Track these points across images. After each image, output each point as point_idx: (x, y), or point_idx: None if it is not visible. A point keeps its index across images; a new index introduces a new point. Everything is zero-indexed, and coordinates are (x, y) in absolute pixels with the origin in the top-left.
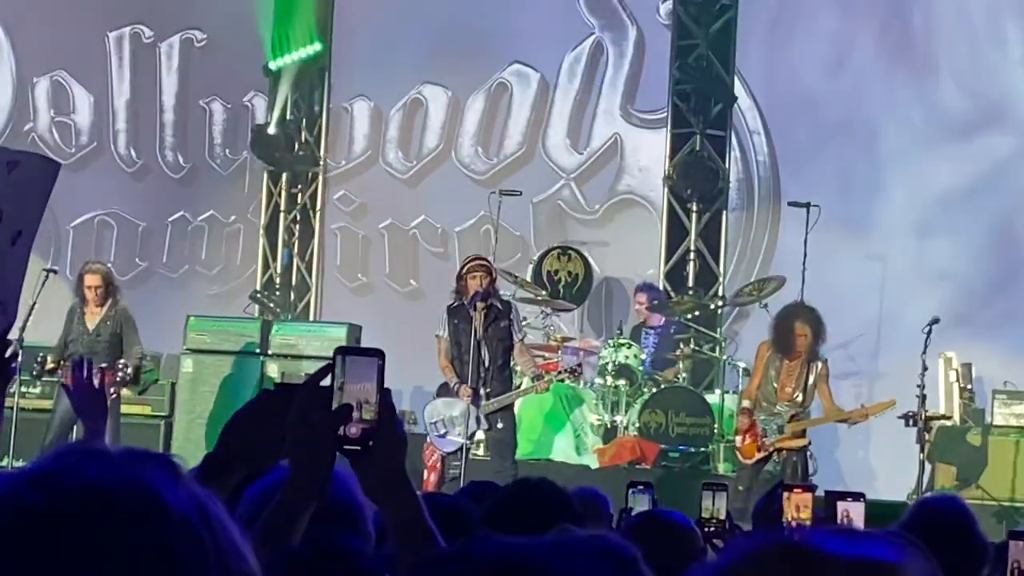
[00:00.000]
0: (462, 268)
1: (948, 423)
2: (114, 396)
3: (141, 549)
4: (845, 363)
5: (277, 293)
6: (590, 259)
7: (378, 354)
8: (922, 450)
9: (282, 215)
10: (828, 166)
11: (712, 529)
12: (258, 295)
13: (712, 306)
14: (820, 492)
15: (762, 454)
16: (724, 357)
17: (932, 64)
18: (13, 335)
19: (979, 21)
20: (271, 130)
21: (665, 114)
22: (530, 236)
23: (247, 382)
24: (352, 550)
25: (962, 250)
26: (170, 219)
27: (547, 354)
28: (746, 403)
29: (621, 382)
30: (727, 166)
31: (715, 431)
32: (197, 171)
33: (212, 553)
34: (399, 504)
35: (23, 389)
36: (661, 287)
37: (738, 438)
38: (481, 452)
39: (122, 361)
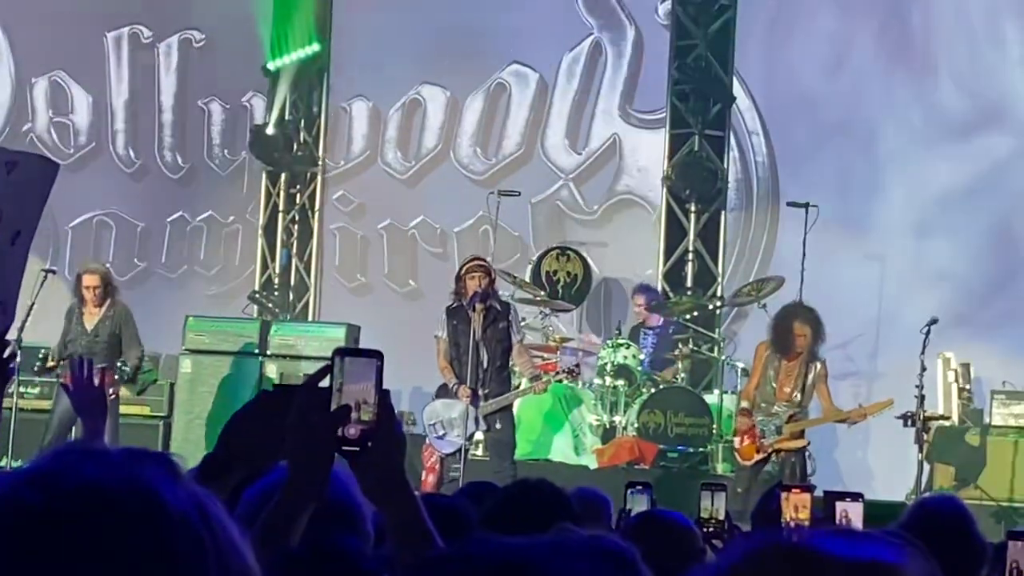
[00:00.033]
0: (461, 269)
1: (946, 423)
2: (113, 396)
3: (141, 548)
4: (844, 363)
5: (276, 293)
6: (589, 259)
7: (377, 355)
8: (921, 450)
9: (281, 215)
10: (827, 166)
11: (711, 529)
12: (257, 295)
13: (711, 306)
14: (819, 492)
15: (761, 455)
16: (723, 357)
17: (931, 64)
18: (12, 335)
19: (978, 21)
20: (270, 130)
21: (664, 114)
22: (529, 236)
23: (246, 382)
24: (351, 551)
25: (961, 250)
26: (169, 219)
27: (546, 354)
28: (744, 404)
29: (620, 382)
30: (726, 166)
31: (714, 431)
32: (196, 171)
33: (211, 552)
34: (398, 505)
35: (22, 389)
36: (660, 287)
37: (736, 439)
38: (480, 453)
39: (121, 359)
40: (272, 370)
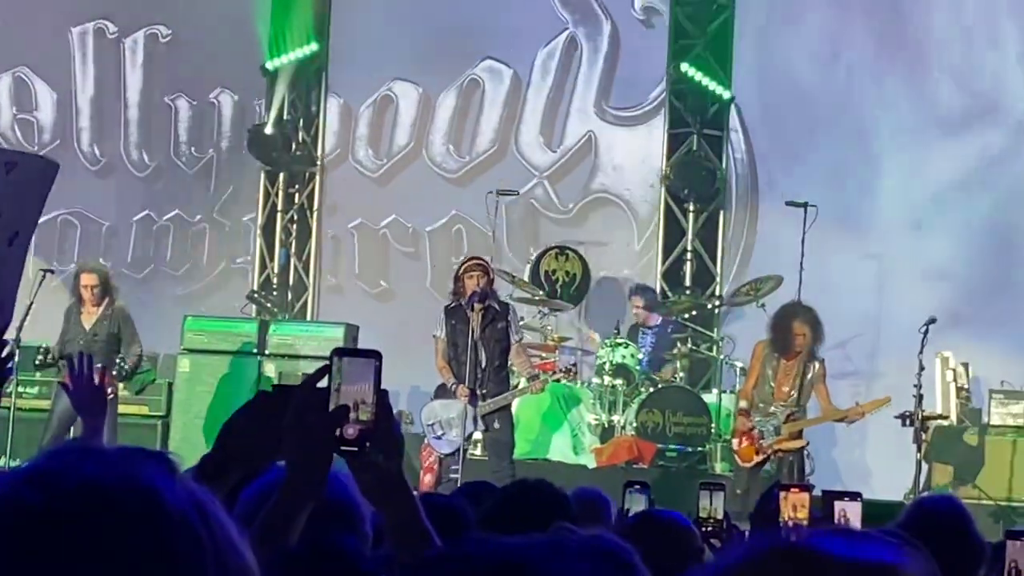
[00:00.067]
0: (459, 268)
1: (945, 423)
2: (112, 395)
3: (140, 547)
4: (842, 363)
5: (274, 293)
6: (588, 259)
7: (375, 355)
8: (919, 450)
9: (279, 215)
10: (822, 162)
11: (709, 529)
12: (255, 295)
13: (709, 306)
14: (817, 492)
15: (760, 457)
16: (721, 357)
17: (926, 61)
18: (10, 335)
19: (973, 16)
20: (268, 130)
21: (640, 111)
22: (503, 236)
23: (244, 382)
24: (349, 550)
25: (959, 250)
26: (135, 218)
27: (544, 354)
28: (743, 404)
29: (618, 382)
30: (724, 166)
31: (712, 431)
32: (162, 169)
33: (210, 550)
34: (396, 505)
35: (20, 389)
36: (658, 287)
37: (735, 441)
38: (478, 452)
39: (120, 356)
40: (271, 369)
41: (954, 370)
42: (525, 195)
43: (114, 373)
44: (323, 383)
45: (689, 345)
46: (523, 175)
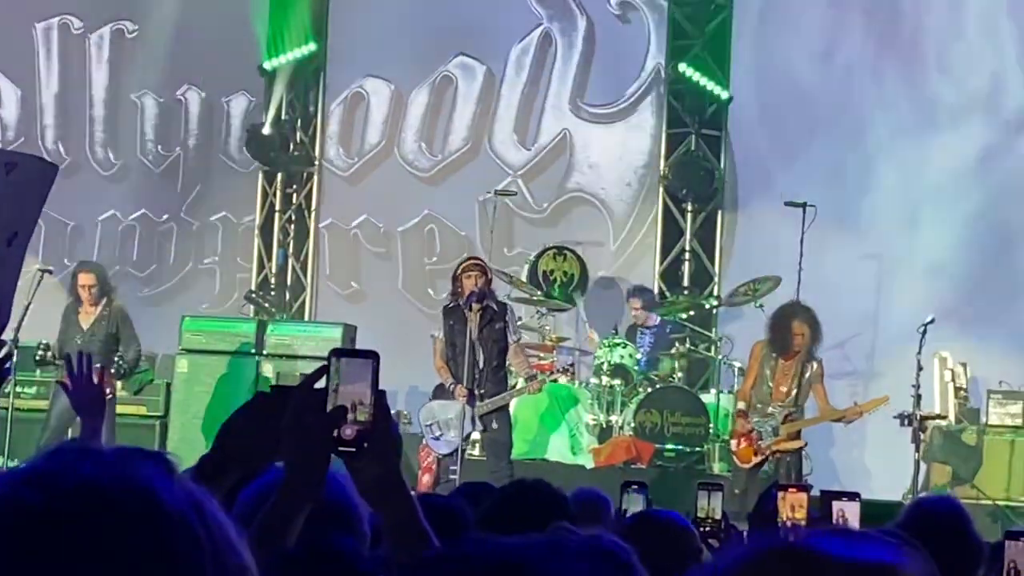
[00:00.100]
0: (457, 268)
1: (943, 423)
2: (110, 395)
3: (138, 547)
4: (840, 363)
5: (272, 293)
6: (586, 259)
7: (373, 355)
8: (917, 450)
9: (277, 215)
10: (822, 164)
11: (708, 529)
12: (253, 295)
13: (707, 306)
14: (815, 492)
15: (758, 457)
16: (719, 357)
17: (924, 59)
18: (8, 335)
19: (972, 16)
20: (266, 130)
21: (616, 108)
22: (475, 236)
23: (242, 382)
24: (347, 551)
25: (958, 250)
26: (100, 218)
27: (542, 354)
28: (741, 405)
29: (616, 382)
30: (722, 166)
31: (710, 431)
32: (128, 168)
33: (208, 551)
34: (394, 505)
35: (18, 389)
36: (656, 287)
37: (734, 442)
38: (477, 453)
39: (119, 355)
40: (269, 370)
41: (952, 370)
42: (499, 194)
43: (112, 372)
44: (321, 384)
45: (687, 345)
46: (497, 174)
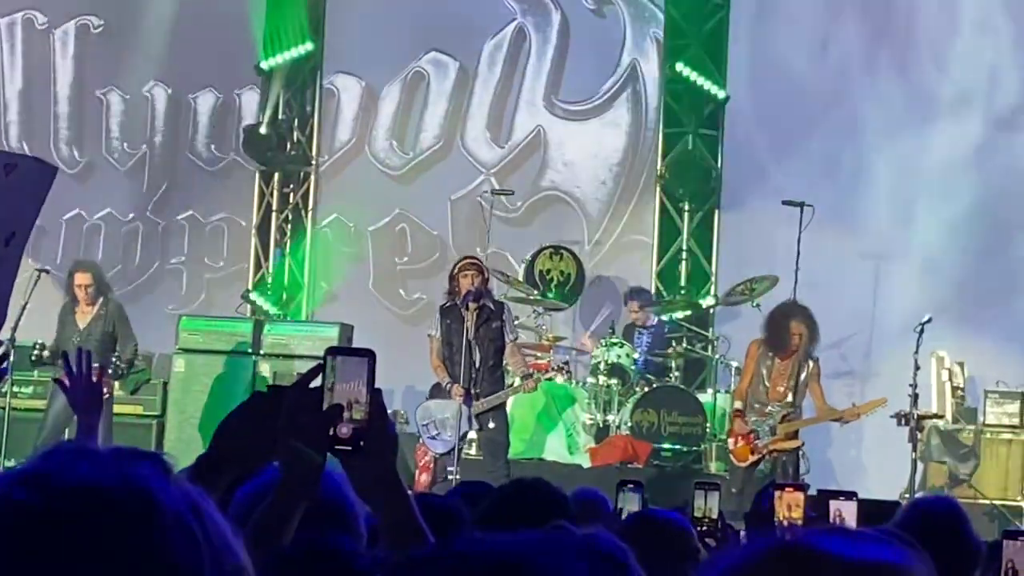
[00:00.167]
0: (454, 268)
1: (940, 422)
2: (107, 395)
3: (136, 548)
4: (837, 363)
5: (269, 293)
6: (582, 259)
7: (368, 354)
8: (914, 449)
9: (274, 215)
10: (819, 162)
11: (704, 528)
12: (250, 295)
13: (704, 305)
14: (812, 491)
15: (755, 457)
16: (716, 356)
17: (918, 54)
18: (5, 335)
19: (967, 9)
20: (263, 130)
21: (591, 104)
22: (448, 236)
23: (239, 382)
24: (344, 550)
25: (956, 250)
26: (64, 217)
27: (539, 353)
28: (738, 404)
29: (613, 381)
30: (719, 166)
31: (707, 430)
32: (93, 166)
33: (206, 550)
34: (391, 504)
35: (15, 389)
36: (653, 287)
37: (731, 441)
38: (473, 452)
39: (116, 354)
40: (265, 369)
41: (949, 369)
42: (471, 193)
43: (109, 372)
44: (317, 382)
45: (684, 345)
46: (469, 172)
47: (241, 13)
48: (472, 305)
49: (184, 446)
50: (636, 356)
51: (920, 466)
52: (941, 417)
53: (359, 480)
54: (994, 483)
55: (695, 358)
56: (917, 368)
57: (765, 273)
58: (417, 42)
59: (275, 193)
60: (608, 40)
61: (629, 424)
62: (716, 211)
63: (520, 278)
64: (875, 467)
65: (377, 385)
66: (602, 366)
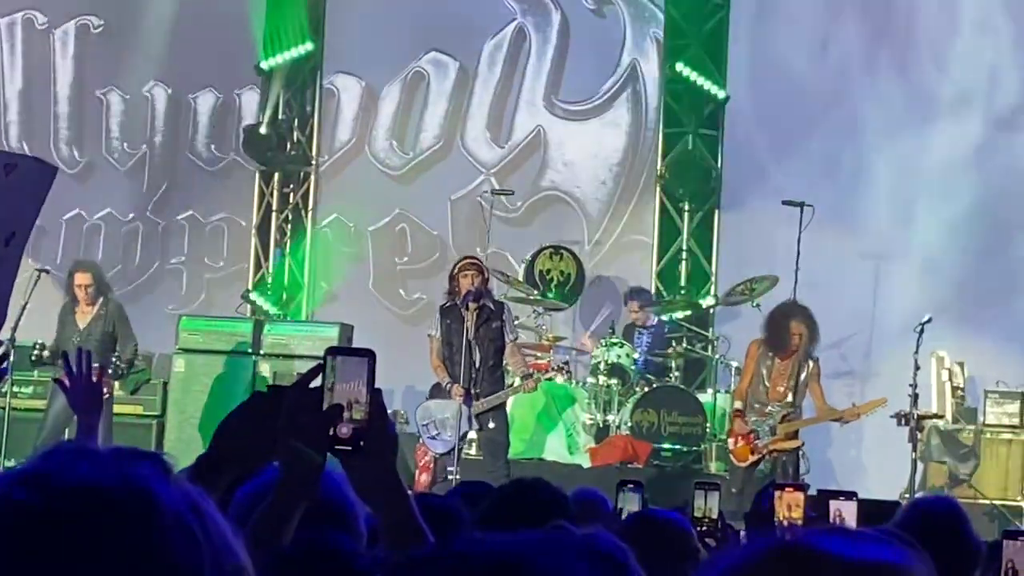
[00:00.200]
0: (454, 268)
1: (940, 422)
2: (107, 395)
3: (137, 548)
4: (837, 363)
5: (269, 293)
6: (582, 259)
7: (368, 354)
8: (914, 449)
9: (274, 215)
10: (818, 162)
11: (704, 528)
12: (250, 295)
13: (704, 305)
14: (812, 491)
15: (755, 457)
16: (716, 356)
17: (918, 54)
18: (5, 335)
19: (967, 8)
20: (263, 130)
21: (591, 104)
22: (448, 236)
23: (239, 382)
24: (344, 550)
25: (955, 249)
26: (64, 217)
27: (539, 353)
28: (738, 404)
29: (613, 381)
30: (719, 166)
31: (707, 430)
32: (93, 166)
33: (206, 551)
34: (390, 504)
35: (15, 389)
36: (653, 287)
37: (731, 441)
38: (473, 452)
39: (116, 354)
40: (265, 369)
41: (949, 369)
42: (471, 193)
43: (109, 372)
44: (316, 382)
45: (684, 345)
46: (469, 172)
47: (241, 13)
48: (472, 305)
49: (184, 446)
50: (636, 356)
51: (920, 466)
52: (941, 417)
53: (359, 480)
54: (994, 483)
55: (695, 358)
56: (917, 368)
57: (765, 273)
58: (417, 42)
59: (275, 193)
60: (608, 40)
61: (629, 424)
62: (716, 211)
63: (520, 278)
64: (875, 467)
65: (377, 385)
66: (602, 366)
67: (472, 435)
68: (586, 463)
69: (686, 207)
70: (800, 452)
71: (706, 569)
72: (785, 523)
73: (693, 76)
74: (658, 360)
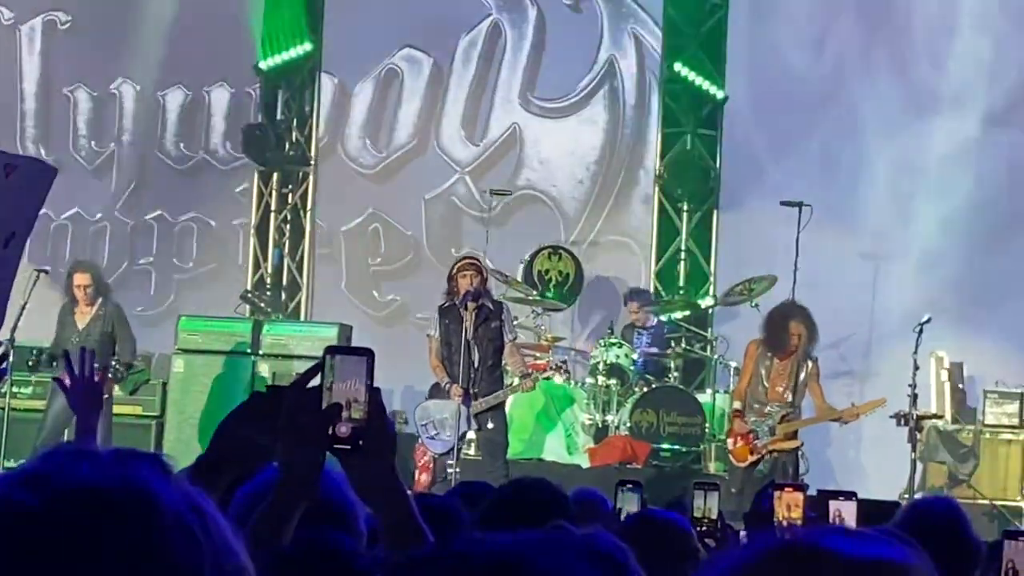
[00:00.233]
0: (453, 268)
1: (940, 422)
2: (107, 396)
3: (137, 549)
4: (836, 363)
5: (268, 293)
6: (581, 259)
7: (367, 353)
8: (914, 449)
9: (273, 215)
10: (817, 161)
11: (704, 528)
12: (249, 295)
13: (703, 305)
14: (812, 491)
15: (755, 457)
16: (715, 356)
17: (915, 52)
18: (4, 335)
19: (965, 5)
20: (261, 130)
21: (568, 102)
22: (422, 235)
23: (238, 382)
24: (343, 549)
25: (955, 249)
26: None
27: (538, 353)
28: (737, 404)
29: (612, 381)
30: (718, 166)
31: (706, 430)
32: (60, 165)
33: (207, 551)
34: (390, 503)
35: (15, 389)
36: (651, 287)
37: (730, 441)
38: (473, 452)
39: (115, 357)
40: (265, 369)
41: (949, 369)
42: (446, 192)
43: (109, 375)
44: (315, 382)
45: (683, 345)
46: (444, 171)
47: (241, 13)
48: (471, 305)
49: (184, 446)
50: (635, 356)
51: (920, 466)
52: (940, 417)
53: (359, 479)
54: (993, 483)
55: (694, 358)
56: (916, 368)
57: (764, 273)
58: (391, 38)
59: (274, 193)
60: (585, 36)
61: (628, 424)
62: (715, 211)
63: (519, 278)
64: (874, 467)
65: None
66: (601, 366)
67: (471, 435)
68: (585, 463)
69: (685, 207)
70: (799, 452)
71: (706, 569)
72: (784, 523)
73: (691, 76)
74: (657, 360)
